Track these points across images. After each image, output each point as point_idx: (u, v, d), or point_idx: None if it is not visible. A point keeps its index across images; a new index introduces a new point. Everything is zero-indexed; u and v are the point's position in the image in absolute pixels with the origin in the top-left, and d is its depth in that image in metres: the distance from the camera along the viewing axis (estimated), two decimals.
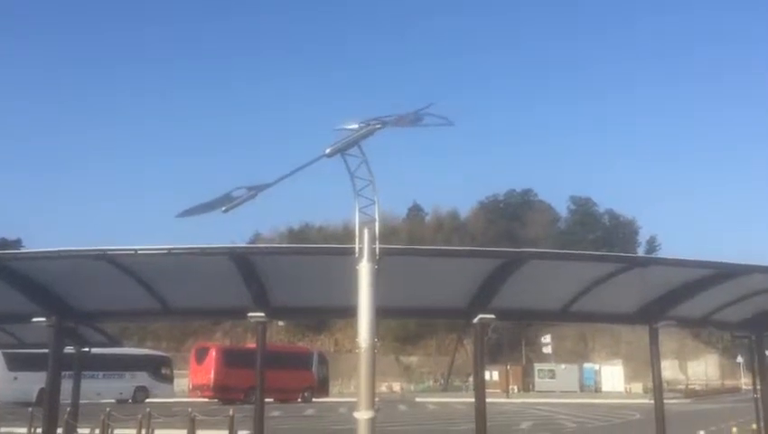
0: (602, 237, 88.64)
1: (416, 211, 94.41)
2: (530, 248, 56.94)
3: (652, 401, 12.35)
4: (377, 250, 5.07)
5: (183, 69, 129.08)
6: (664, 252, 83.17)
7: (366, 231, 5.11)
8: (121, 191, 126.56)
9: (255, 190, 4.68)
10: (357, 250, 5.06)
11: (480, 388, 10.98)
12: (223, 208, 4.78)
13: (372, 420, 4.91)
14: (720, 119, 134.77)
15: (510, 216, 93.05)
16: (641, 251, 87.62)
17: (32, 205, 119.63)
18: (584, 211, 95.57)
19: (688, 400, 42.16)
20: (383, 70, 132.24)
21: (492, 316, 10.55)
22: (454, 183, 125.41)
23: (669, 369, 56.81)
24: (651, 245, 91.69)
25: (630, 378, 60.92)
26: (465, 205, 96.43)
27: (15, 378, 33.88)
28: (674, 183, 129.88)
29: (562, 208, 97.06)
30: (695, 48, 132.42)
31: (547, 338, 62.60)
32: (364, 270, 5.09)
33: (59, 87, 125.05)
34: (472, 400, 11.05)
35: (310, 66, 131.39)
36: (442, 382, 66.65)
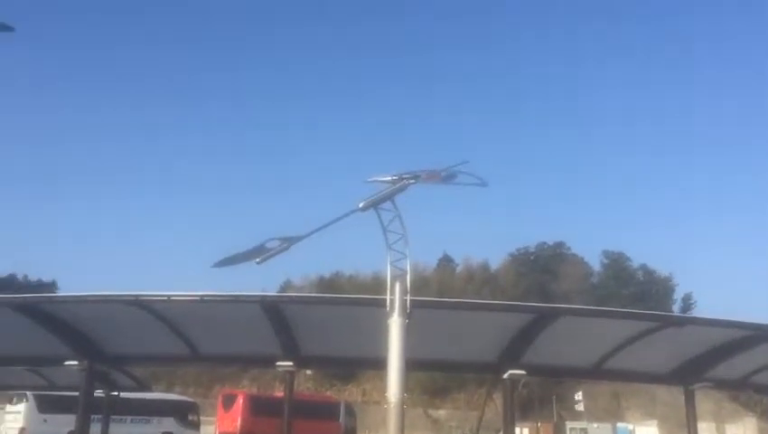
0: (636, 293, 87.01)
1: (446, 261, 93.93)
2: (562, 302, 56.24)
3: None
4: (408, 305, 5.07)
5: (214, 112, 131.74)
6: (700, 310, 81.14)
7: (397, 285, 5.13)
8: (152, 235, 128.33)
9: (288, 242, 4.75)
10: (388, 304, 5.06)
11: None
12: (257, 259, 4.84)
13: None
14: (760, 177, 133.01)
15: (542, 269, 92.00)
16: (676, 309, 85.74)
17: (67, 247, 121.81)
18: (617, 265, 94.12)
19: None
20: (413, 122, 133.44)
21: (523, 373, 10.41)
22: (484, 234, 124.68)
23: (705, 431, 54.90)
24: (687, 303, 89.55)
25: None
26: (496, 257, 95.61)
27: (45, 420, 33.95)
28: (712, 240, 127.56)
29: (595, 262, 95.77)
30: (729, 105, 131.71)
31: (579, 395, 61.15)
32: (395, 325, 5.08)
33: (94, 129, 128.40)
34: None
35: (339, 115, 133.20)
36: None
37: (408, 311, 5.20)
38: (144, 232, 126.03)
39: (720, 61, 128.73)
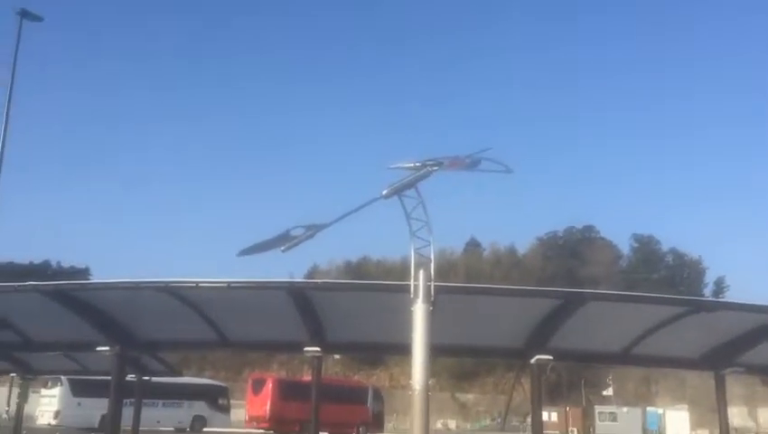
0: (666, 277, 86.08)
1: (473, 246, 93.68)
2: (590, 286, 55.76)
3: None
4: (432, 291, 5.08)
5: (242, 100, 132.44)
6: (733, 294, 80.00)
7: (421, 272, 5.13)
8: (184, 222, 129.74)
9: (313, 230, 4.78)
10: (412, 290, 5.07)
11: (538, 430, 10.76)
12: (282, 247, 4.89)
13: None
14: None
15: (570, 253, 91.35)
16: (707, 293, 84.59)
17: (100, 233, 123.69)
18: (646, 249, 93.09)
19: None
20: (441, 104, 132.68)
21: (550, 358, 10.36)
22: (512, 218, 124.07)
23: (737, 416, 54.40)
24: (719, 286, 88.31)
25: (696, 424, 58.48)
26: (524, 241, 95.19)
27: (79, 404, 34.72)
28: (744, 221, 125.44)
29: (624, 246, 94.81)
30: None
31: (609, 380, 60.87)
32: (419, 312, 5.09)
33: (127, 118, 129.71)
34: None
35: (364, 100, 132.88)
36: (499, 420, 65.33)
37: (432, 298, 5.21)
38: (175, 219, 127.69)
39: (758, 39, 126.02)
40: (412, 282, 5.21)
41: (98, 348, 11.13)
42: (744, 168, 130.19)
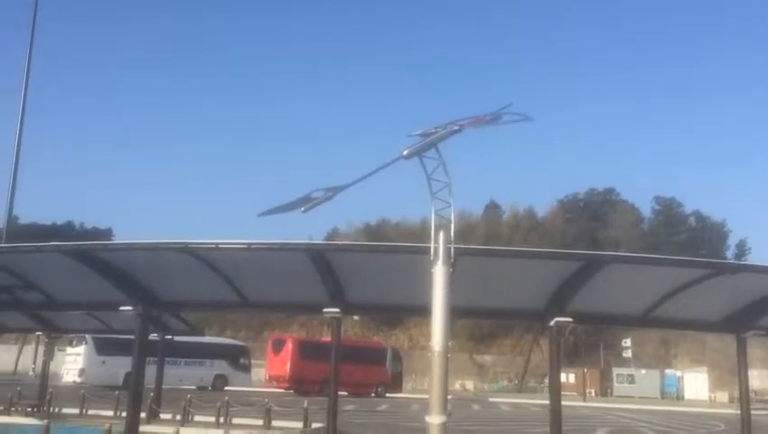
0: (688, 239, 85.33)
1: (492, 208, 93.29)
2: (611, 249, 55.47)
3: (738, 412, 11.84)
4: (452, 254, 5.05)
5: (269, 68, 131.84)
6: (755, 257, 79.28)
7: (441, 234, 5.10)
8: (206, 185, 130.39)
9: (333, 191, 4.76)
10: (432, 252, 5.04)
11: (555, 392, 10.78)
12: (303, 208, 4.87)
13: (444, 425, 4.89)
14: None
15: (591, 216, 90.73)
16: (729, 256, 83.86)
17: (124, 194, 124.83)
18: (669, 212, 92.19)
19: None
20: (465, 63, 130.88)
21: (570, 320, 10.35)
22: (532, 180, 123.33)
23: (757, 378, 54.23)
24: (741, 249, 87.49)
25: (715, 386, 58.52)
26: (544, 204, 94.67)
27: (103, 362, 35.47)
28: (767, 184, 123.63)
29: (646, 208, 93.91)
30: None
31: (627, 342, 60.89)
32: (439, 274, 5.07)
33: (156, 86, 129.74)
34: (548, 402, 10.87)
35: (384, 63, 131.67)
36: (516, 382, 65.81)
37: (453, 260, 5.18)
38: (198, 182, 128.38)
39: None
40: (432, 244, 5.18)
41: (122, 308, 11.28)
42: None
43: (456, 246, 5.22)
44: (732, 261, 57.23)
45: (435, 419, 4.97)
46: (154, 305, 11.66)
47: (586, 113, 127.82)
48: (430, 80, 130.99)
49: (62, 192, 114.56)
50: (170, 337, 18.73)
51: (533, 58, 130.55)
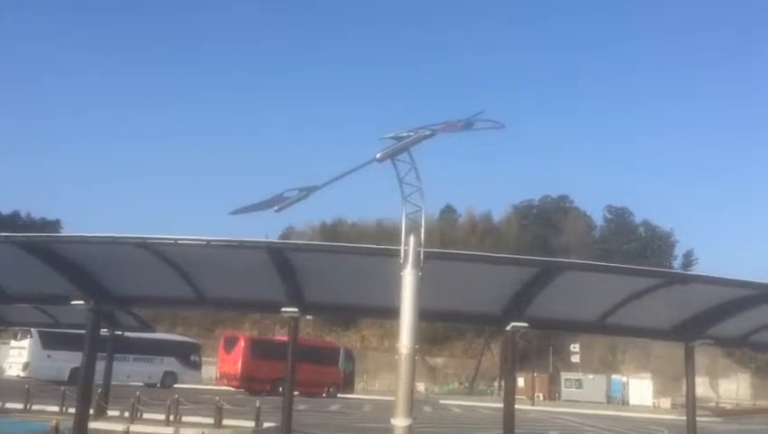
0: (637, 248, 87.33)
1: (448, 212, 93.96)
2: (564, 256, 56.40)
3: (681, 418, 12.18)
4: (422, 258, 5.06)
5: (236, 70, 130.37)
6: (701, 267, 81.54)
7: (412, 237, 5.11)
8: (161, 178, 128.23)
9: (306, 191, 4.73)
10: (402, 255, 5.05)
11: (509, 395, 10.92)
12: (275, 208, 4.84)
13: (410, 428, 4.90)
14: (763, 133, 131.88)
15: (544, 222, 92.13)
16: (677, 265, 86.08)
17: (72, 184, 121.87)
18: (620, 221, 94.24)
19: (718, 419, 41.38)
20: (419, 75, 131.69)
21: (526, 325, 10.49)
22: (488, 185, 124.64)
23: (700, 386, 55.70)
24: (688, 259, 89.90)
25: (658, 392, 59.98)
26: (499, 208, 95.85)
27: (49, 356, 34.59)
28: (716, 196, 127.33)
29: (598, 216, 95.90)
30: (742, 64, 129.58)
31: (575, 347, 61.94)
32: (408, 277, 5.08)
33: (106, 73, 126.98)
34: (498, 404, 11.02)
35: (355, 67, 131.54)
36: (467, 385, 66.38)
37: (422, 264, 5.20)
38: (152, 176, 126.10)
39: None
40: (402, 247, 5.19)
41: (74, 302, 11.02)
42: (717, 143, 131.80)
43: (425, 250, 5.24)
44: (683, 271, 58.73)
45: (400, 422, 4.98)
46: (106, 300, 11.42)
47: (546, 121, 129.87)
48: (401, 81, 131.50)
49: (8, 182, 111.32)
50: (120, 333, 18.37)
51: (495, 65, 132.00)
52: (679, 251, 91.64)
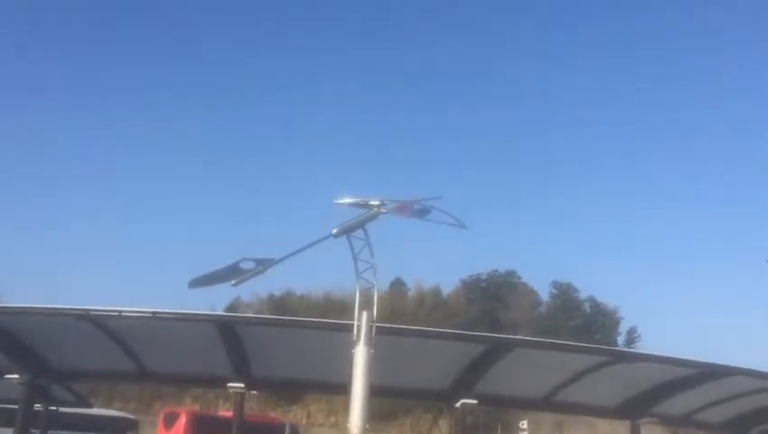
0: (583, 324, 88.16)
1: (398, 285, 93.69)
2: (511, 331, 56.54)
3: None
4: (373, 334, 5.03)
5: (184, 123, 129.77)
6: (644, 344, 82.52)
7: (365, 314, 5.09)
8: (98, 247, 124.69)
9: (264, 265, 4.70)
10: (355, 332, 5.02)
11: None
12: (233, 282, 4.78)
13: None
14: (718, 206, 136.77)
15: (492, 297, 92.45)
16: (620, 341, 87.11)
17: (10, 255, 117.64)
18: (565, 296, 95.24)
19: None
20: (374, 143, 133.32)
21: (475, 402, 10.44)
22: (437, 257, 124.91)
23: None
24: (631, 336, 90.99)
25: None
26: (448, 282, 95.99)
27: None
28: (659, 274, 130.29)
29: (544, 292, 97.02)
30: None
31: (524, 424, 61.54)
32: (360, 354, 5.03)
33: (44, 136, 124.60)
34: None
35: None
36: None
37: (373, 341, 5.17)
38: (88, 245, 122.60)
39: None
40: (355, 323, 5.17)
41: (8, 376, 10.54)
42: (660, 219, 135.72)
43: (378, 324, 5.22)
44: (631, 350, 59.36)
45: None
46: (43, 374, 10.97)
47: (490, 196, 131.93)
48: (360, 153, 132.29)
49: None
50: (55, 408, 17.52)
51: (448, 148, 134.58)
52: (624, 328, 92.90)
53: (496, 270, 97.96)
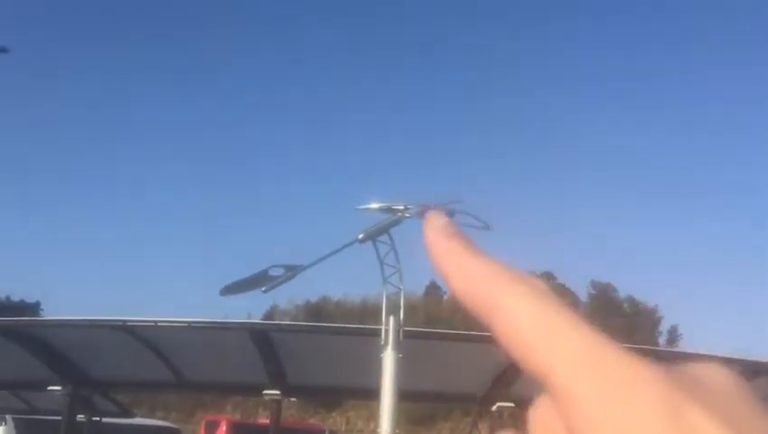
0: (623, 324, 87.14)
1: (433, 289, 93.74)
2: None
3: None
4: (401, 339, 5.04)
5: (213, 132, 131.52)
6: (686, 342, 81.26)
7: (392, 319, 5.10)
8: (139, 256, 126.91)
9: (293, 271, 4.73)
10: (383, 337, 5.02)
11: None
12: (263, 289, 4.83)
13: None
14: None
15: None
16: (662, 341, 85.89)
17: (53, 265, 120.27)
18: (604, 296, 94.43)
19: None
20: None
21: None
22: None
23: None
24: (673, 335, 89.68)
25: None
26: None
27: None
28: (702, 272, 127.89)
29: (582, 292, 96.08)
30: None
31: None
32: (388, 359, 5.03)
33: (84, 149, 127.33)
34: None
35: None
36: None
37: (401, 346, 5.18)
38: (134, 254, 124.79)
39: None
40: (383, 328, 5.17)
41: (50, 387, 10.77)
42: (699, 216, 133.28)
43: (405, 329, 5.22)
44: (672, 349, 58.28)
45: None
46: (84, 385, 11.17)
47: (528, 198, 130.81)
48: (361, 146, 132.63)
49: None
50: (98, 419, 17.85)
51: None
52: (664, 326, 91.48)
53: (533, 271, 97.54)
